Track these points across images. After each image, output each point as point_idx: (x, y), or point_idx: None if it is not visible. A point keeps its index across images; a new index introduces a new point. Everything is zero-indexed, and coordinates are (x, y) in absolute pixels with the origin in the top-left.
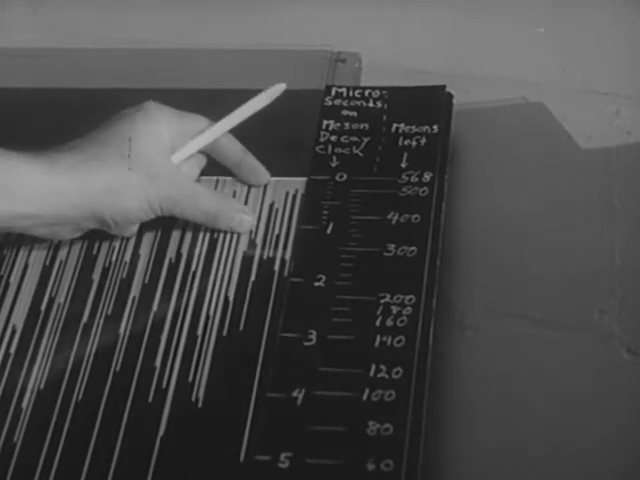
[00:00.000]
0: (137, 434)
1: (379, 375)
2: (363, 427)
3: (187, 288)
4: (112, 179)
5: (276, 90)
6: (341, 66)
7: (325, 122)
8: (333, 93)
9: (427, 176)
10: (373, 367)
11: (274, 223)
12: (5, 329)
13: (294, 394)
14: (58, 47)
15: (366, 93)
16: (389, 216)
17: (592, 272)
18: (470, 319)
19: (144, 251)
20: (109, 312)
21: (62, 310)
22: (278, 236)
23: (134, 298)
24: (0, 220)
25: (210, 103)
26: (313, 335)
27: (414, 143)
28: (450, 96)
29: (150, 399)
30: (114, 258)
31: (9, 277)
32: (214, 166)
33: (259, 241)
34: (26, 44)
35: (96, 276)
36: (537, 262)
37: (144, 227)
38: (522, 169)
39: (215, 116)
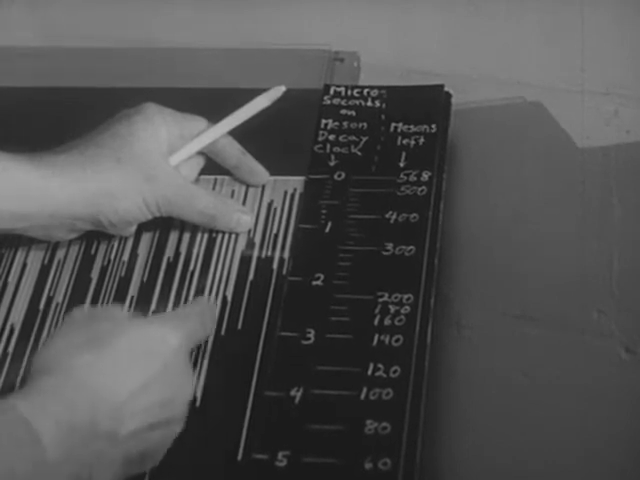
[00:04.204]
0: None
1: (377, 374)
2: (361, 426)
3: (185, 287)
4: (108, 181)
5: (275, 92)
6: (339, 65)
7: (323, 121)
8: (331, 92)
9: (425, 175)
10: (371, 366)
11: (272, 222)
12: (3, 328)
13: (292, 393)
14: (57, 46)
15: (364, 92)
16: (387, 215)
17: (590, 272)
18: (468, 318)
19: (142, 250)
20: None
21: (60, 309)
22: (276, 235)
23: (132, 297)
24: None
25: (209, 102)
26: (311, 334)
27: (412, 142)
28: (448, 95)
29: None
30: (112, 257)
31: (7, 276)
32: (212, 165)
33: (257, 240)
34: (25, 43)
35: (94, 275)
36: (535, 262)
37: (142, 226)
38: (520, 169)
39: (214, 115)
